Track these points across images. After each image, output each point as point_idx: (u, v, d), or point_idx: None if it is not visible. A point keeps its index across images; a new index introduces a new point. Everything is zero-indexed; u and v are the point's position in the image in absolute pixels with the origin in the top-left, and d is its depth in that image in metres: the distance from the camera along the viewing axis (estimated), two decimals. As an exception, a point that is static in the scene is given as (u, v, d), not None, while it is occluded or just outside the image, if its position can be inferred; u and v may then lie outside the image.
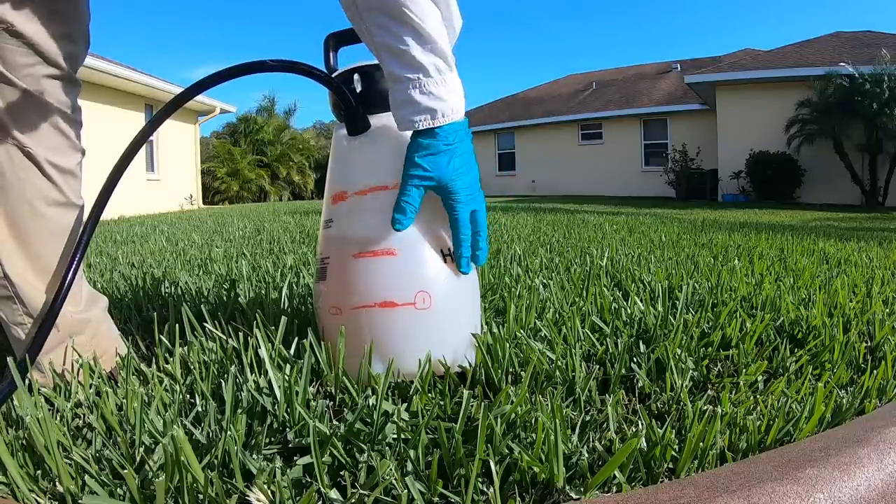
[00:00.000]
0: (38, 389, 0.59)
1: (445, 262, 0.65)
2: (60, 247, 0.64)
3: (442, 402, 0.59)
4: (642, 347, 0.77)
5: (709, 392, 0.68)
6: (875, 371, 0.73)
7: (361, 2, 0.57)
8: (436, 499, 0.45)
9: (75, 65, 0.63)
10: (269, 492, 0.44)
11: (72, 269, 0.61)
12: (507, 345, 0.68)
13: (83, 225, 0.63)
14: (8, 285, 0.61)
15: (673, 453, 0.52)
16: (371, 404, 0.55)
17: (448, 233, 0.66)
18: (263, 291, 1.04)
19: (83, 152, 0.67)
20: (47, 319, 0.59)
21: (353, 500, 0.44)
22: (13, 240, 0.60)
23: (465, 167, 0.62)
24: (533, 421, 0.54)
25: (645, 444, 0.51)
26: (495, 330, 0.74)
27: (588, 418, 0.58)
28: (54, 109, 0.61)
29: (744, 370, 0.72)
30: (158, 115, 0.64)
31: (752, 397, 0.66)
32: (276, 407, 0.55)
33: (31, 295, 0.62)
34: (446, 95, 0.59)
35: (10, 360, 0.56)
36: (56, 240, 0.63)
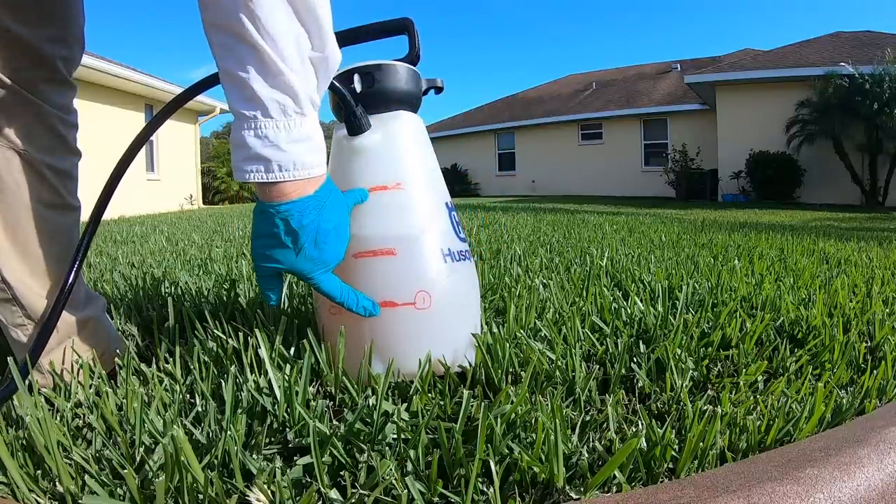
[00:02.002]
0: (38, 390, 0.59)
1: (445, 262, 0.64)
2: (58, 249, 0.64)
3: (442, 402, 0.59)
4: (642, 347, 0.77)
5: (709, 392, 0.68)
6: (875, 371, 0.73)
7: (206, 13, 0.47)
8: (436, 499, 0.45)
9: (70, 67, 0.63)
10: (269, 492, 0.44)
11: (73, 272, 0.61)
12: (507, 345, 0.68)
13: (85, 227, 0.63)
14: (6, 288, 0.60)
15: (673, 453, 0.52)
16: (371, 404, 0.55)
17: (449, 232, 0.66)
18: (263, 291, 1.04)
19: (79, 154, 0.67)
20: (49, 323, 0.59)
21: (353, 500, 0.44)
22: (10, 243, 0.60)
23: (321, 248, 0.54)
24: (533, 421, 0.54)
25: (645, 444, 0.51)
26: (495, 330, 0.74)
27: (588, 418, 0.58)
28: (50, 112, 0.61)
29: (744, 370, 0.72)
30: (158, 117, 0.64)
31: (752, 397, 0.66)
32: (276, 407, 0.55)
33: (29, 297, 0.62)
34: (287, 144, 0.49)
35: (10, 359, 0.56)
36: (53, 242, 0.63)
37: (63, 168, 0.64)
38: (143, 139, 0.64)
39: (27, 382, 0.57)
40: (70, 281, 0.60)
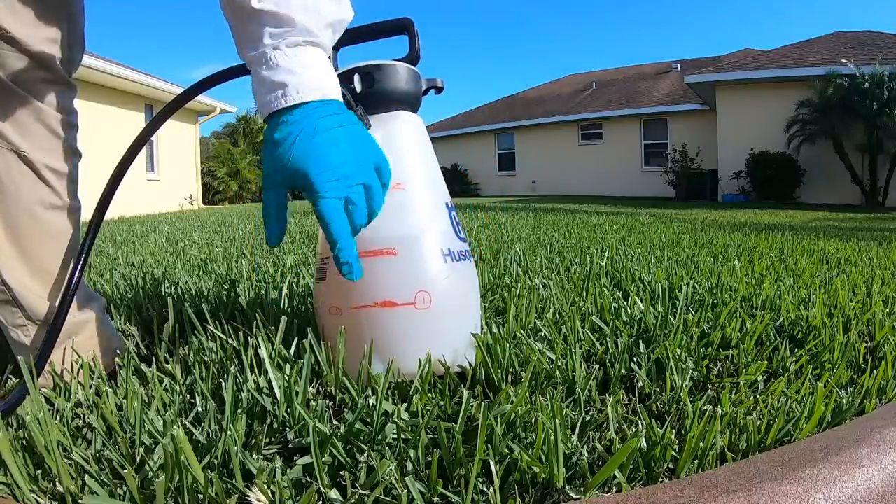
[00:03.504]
0: (39, 390, 0.59)
1: (445, 262, 0.65)
2: (58, 250, 0.64)
3: (442, 402, 0.59)
4: (642, 347, 0.77)
5: (709, 392, 0.68)
6: (875, 371, 0.73)
7: None
8: (436, 499, 0.45)
9: (70, 68, 0.63)
10: (269, 492, 0.44)
11: (77, 274, 0.61)
12: (507, 345, 0.68)
13: (86, 230, 0.63)
14: (6, 290, 0.60)
15: (673, 453, 0.52)
16: (371, 404, 0.55)
17: (449, 232, 0.66)
18: (263, 291, 1.04)
19: (80, 155, 0.67)
20: (52, 331, 0.59)
21: (353, 500, 0.44)
22: (10, 244, 0.60)
23: (319, 149, 0.50)
24: (533, 421, 0.54)
25: (645, 444, 0.51)
26: (495, 330, 0.74)
27: (588, 418, 0.58)
28: (50, 113, 0.61)
29: (744, 370, 0.72)
30: (158, 117, 0.64)
31: (752, 397, 0.66)
32: (276, 407, 0.55)
33: (29, 298, 0.62)
34: (298, 68, 0.50)
35: (21, 360, 0.56)
36: (53, 243, 0.63)
37: (63, 169, 0.64)
38: (143, 139, 0.64)
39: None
40: (75, 282, 0.60)
